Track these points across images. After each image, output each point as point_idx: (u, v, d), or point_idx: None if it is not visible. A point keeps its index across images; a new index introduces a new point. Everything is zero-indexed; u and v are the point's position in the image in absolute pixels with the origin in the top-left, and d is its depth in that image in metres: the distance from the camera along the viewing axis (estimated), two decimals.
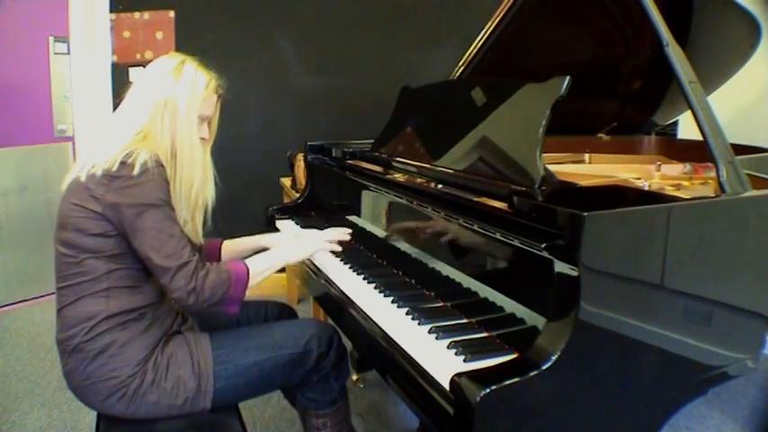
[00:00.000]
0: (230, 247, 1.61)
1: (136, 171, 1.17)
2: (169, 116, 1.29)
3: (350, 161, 1.83)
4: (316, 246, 1.50)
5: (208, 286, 1.21)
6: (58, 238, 1.24)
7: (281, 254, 1.45)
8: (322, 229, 1.58)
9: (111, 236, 1.21)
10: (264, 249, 1.56)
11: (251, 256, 1.37)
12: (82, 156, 1.26)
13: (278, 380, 1.38)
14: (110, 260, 1.22)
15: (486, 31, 1.80)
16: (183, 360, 1.26)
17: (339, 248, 1.53)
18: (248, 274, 1.29)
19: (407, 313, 1.23)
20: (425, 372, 1.00)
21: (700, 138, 1.19)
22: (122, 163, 1.18)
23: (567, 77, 1.18)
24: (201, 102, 1.33)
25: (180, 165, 1.30)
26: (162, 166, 1.22)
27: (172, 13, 3.11)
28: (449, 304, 1.26)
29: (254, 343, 1.34)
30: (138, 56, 3.11)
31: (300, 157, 2.44)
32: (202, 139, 1.35)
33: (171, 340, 1.30)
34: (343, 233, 1.55)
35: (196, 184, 1.33)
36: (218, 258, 1.59)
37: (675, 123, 2.45)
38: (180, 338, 1.31)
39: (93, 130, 3.13)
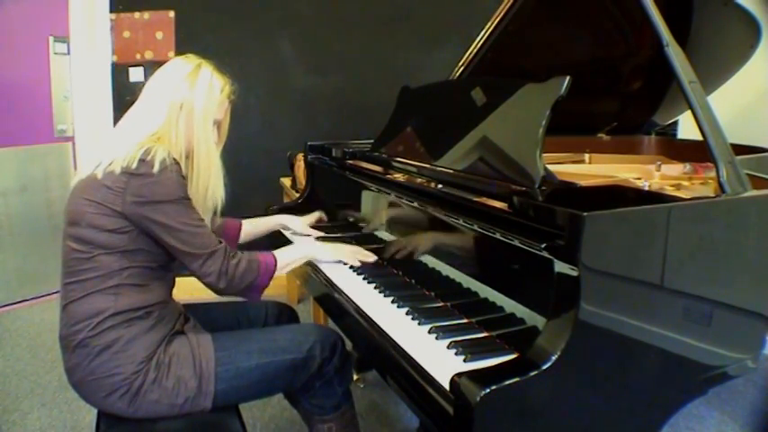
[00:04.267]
0: (249, 228, 1.72)
1: (156, 168, 1.18)
2: (185, 119, 1.30)
3: (350, 161, 1.83)
4: (345, 256, 1.55)
5: (239, 272, 1.29)
6: (68, 234, 1.25)
7: (309, 250, 1.54)
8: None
9: (126, 232, 1.22)
10: (281, 228, 1.81)
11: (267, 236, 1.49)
12: (93, 154, 1.28)
13: (280, 384, 1.38)
14: (122, 257, 1.22)
15: (486, 31, 1.80)
16: (185, 360, 1.26)
17: (357, 264, 1.55)
18: (276, 265, 1.37)
19: (407, 313, 1.23)
20: (425, 372, 1.00)
21: (700, 138, 1.19)
22: (141, 161, 1.19)
23: (567, 77, 1.18)
24: (217, 107, 1.34)
25: (196, 168, 1.33)
26: (178, 163, 1.24)
27: (172, 13, 3.11)
28: (449, 304, 1.26)
29: (256, 346, 1.34)
30: (138, 56, 3.12)
31: (300, 157, 2.44)
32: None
33: (174, 340, 1.30)
34: (372, 258, 1.56)
35: (211, 188, 1.35)
36: (237, 238, 1.69)
37: (675, 123, 2.45)
38: (183, 338, 1.31)
39: (94, 130, 3.13)
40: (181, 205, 1.22)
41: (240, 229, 1.70)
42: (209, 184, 1.34)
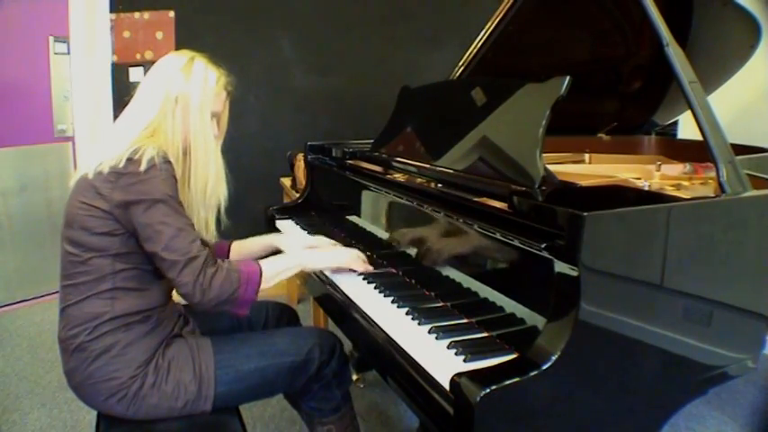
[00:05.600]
0: (239, 248, 1.59)
1: (142, 167, 1.15)
2: (181, 113, 1.28)
3: (350, 161, 1.83)
4: (338, 260, 1.44)
5: (216, 284, 1.18)
6: (64, 237, 1.24)
7: (300, 259, 1.41)
8: (328, 234, 1.56)
9: (118, 234, 1.20)
10: (275, 250, 1.55)
11: (262, 257, 1.34)
12: (89, 154, 1.26)
13: (279, 386, 1.38)
14: (116, 259, 1.21)
15: (486, 31, 1.80)
16: (184, 363, 1.26)
17: (360, 269, 1.45)
18: (261, 275, 1.26)
19: (407, 313, 1.22)
20: (425, 372, 1.00)
21: (700, 138, 1.19)
22: (129, 159, 1.16)
23: (567, 77, 1.18)
24: (213, 98, 1.32)
25: (194, 162, 1.29)
26: (169, 162, 1.20)
27: (172, 13, 3.11)
28: (449, 304, 1.26)
29: (255, 349, 1.33)
30: (138, 56, 3.11)
31: (300, 157, 2.44)
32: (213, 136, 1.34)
33: (172, 343, 1.29)
34: (364, 261, 1.46)
35: (211, 182, 1.32)
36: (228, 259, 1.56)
37: (675, 123, 2.45)
38: (182, 342, 1.31)
39: (94, 129, 3.13)
40: (165, 206, 1.16)
41: (229, 250, 1.57)
42: (208, 180, 1.31)
